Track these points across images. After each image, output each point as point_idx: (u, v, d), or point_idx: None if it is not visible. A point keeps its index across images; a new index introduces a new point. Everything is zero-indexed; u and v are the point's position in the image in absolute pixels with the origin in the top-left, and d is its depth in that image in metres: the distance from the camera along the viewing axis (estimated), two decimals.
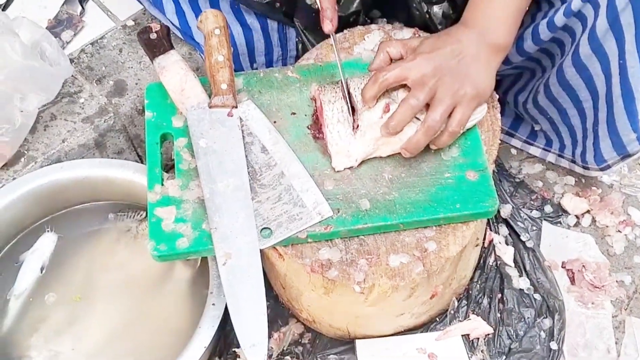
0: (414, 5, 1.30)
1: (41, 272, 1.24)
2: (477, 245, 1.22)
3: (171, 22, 1.40)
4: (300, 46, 1.40)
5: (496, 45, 1.12)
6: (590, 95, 1.24)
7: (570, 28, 1.18)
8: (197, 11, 1.36)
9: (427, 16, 1.30)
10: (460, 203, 1.09)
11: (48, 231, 1.28)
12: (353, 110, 1.13)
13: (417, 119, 1.10)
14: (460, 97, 1.08)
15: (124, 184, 1.27)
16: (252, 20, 1.37)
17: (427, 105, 1.09)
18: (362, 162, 1.14)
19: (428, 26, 1.30)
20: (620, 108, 1.22)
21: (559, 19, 1.16)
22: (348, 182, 1.12)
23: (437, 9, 1.29)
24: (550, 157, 1.45)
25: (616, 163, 1.33)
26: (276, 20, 1.37)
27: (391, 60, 1.14)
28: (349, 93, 1.13)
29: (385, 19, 1.35)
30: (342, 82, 1.15)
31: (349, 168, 1.13)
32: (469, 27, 1.12)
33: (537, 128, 1.41)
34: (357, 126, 1.11)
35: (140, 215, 1.30)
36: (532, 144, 1.46)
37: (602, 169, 1.36)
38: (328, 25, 1.14)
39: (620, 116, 1.23)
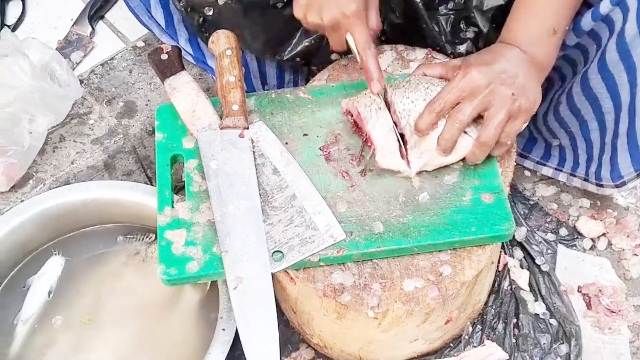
0: (437, 48, 1.29)
1: (49, 296, 1.22)
2: (491, 269, 1.20)
3: (183, 49, 1.39)
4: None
5: (537, 62, 1.11)
6: (613, 106, 1.21)
7: (596, 33, 1.16)
8: None
9: (452, 57, 1.29)
10: (475, 226, 1.07)
11: (55, 254, 1.26)
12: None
13: (466, 133, 1.09)
14: (514, 111, 1.06)
15: (133, 206, 1.26)
16: None
17: (480, 116, 1.08)
18: (376, 183, 1.12)
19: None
20: None
21: (586, 23, 1.14)
22: (361, 204, 1.10)
23: (462, 49, 1.29)
24: (562, 177, 1.43)
25: (632, 180, 1.30)
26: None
27: None
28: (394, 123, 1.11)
29: None
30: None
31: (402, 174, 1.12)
32: (509, 45, 1.12)
33: (555, 143, 1.38)
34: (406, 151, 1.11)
35: (150, 238, 1.29)
36: (544, 165, 1.44)
37: (617, 186, 1.33)
38: (376, 86, 1.11)
39: None
